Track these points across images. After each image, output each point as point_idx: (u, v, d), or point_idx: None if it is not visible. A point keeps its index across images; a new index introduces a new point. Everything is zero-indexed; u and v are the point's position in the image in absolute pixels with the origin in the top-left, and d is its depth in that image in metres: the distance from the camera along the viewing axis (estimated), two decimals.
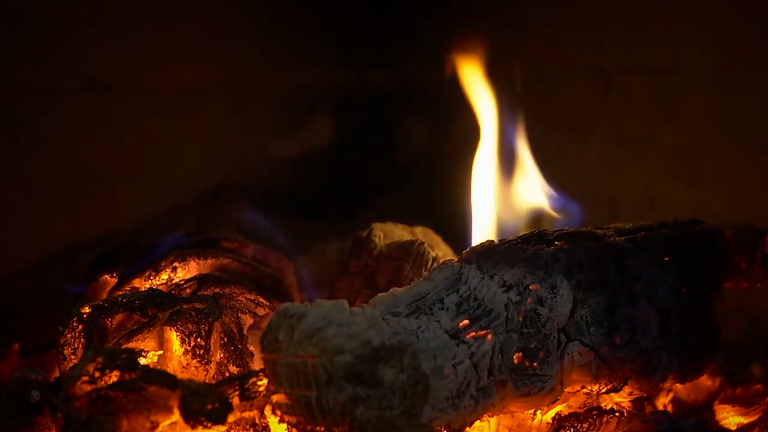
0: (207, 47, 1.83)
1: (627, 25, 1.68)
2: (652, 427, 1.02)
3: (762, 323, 1.53)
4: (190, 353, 1.09)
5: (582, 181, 1.35)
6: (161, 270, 1.21)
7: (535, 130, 1.38)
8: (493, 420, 1.08)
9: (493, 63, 1.90)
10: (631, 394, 1.08)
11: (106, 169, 1.72)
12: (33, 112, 1.60)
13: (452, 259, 1.07)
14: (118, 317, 1.12)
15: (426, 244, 1.23)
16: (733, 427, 1.17)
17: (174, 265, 1.22)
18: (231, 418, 0.93)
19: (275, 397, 0.91)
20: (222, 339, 1.13)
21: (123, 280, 1.22)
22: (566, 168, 1.40)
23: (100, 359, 0.93)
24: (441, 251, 1.34)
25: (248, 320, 1.18)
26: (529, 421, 1.09)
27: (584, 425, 1.07)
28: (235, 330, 1.15)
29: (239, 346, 1.14)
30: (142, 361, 0.99)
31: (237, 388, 0.95)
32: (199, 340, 1.10)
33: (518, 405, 1.00)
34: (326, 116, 2.07)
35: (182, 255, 1.23)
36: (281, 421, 0.92)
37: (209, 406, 0.92)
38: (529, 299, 1.00)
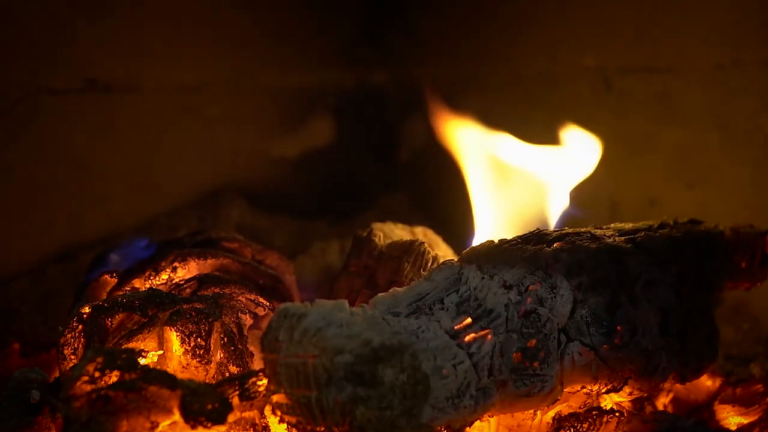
0: (207, 47, 1.83)
1: (627, 25, 1.68)
2: (652, 427, 1.02)
3: (762, 323, 1.53)
4: (190, 353, 1.09)
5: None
6: (161, 270, 1.21)
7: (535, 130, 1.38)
8: (493, 420, 1.08)
9: (492, 63, 1.91)
10: (631, 394, 1.08)
11: (106, 169, 1.72)
12: (33, 112, 1.60)
13: (452, 259, 1.07)
14: (118, 317, 1.12)
15: (426, 244, 1.22)
16: (733, 427, 1.17)
17: (174, 265, 1.21)
18: (231, 418, 0.93)
19: (275, 397, 0.91)
20: (222, 339, 1.12)
21: (123, 280, 1.22)
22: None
23: (100, 359, 0.93)
24: (441, 251, 1.34)
25: (248, 320, 1.18)
26: (529, 421, 1.09)
27: (584, 425, 1.06)
28: (235, 330, 1.15)
29: (239, 346, 1.14)
30: (142, 361, 0.99)
31: (237, 388, 0.95)
32: (199, 340, 1.10)
33: (518, 405, 1.00)
34: (326, 116, 2.07)
35: (182, 255, 1.22)
36: (281, 421, 0.92)
37: (209, 406, 0.92)
38: (529, 299, 1.00)
